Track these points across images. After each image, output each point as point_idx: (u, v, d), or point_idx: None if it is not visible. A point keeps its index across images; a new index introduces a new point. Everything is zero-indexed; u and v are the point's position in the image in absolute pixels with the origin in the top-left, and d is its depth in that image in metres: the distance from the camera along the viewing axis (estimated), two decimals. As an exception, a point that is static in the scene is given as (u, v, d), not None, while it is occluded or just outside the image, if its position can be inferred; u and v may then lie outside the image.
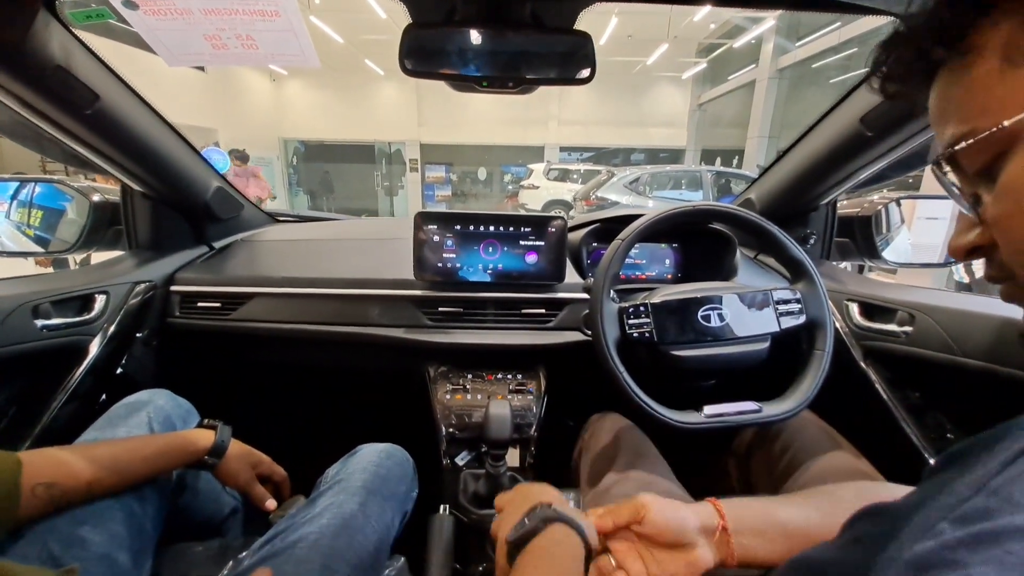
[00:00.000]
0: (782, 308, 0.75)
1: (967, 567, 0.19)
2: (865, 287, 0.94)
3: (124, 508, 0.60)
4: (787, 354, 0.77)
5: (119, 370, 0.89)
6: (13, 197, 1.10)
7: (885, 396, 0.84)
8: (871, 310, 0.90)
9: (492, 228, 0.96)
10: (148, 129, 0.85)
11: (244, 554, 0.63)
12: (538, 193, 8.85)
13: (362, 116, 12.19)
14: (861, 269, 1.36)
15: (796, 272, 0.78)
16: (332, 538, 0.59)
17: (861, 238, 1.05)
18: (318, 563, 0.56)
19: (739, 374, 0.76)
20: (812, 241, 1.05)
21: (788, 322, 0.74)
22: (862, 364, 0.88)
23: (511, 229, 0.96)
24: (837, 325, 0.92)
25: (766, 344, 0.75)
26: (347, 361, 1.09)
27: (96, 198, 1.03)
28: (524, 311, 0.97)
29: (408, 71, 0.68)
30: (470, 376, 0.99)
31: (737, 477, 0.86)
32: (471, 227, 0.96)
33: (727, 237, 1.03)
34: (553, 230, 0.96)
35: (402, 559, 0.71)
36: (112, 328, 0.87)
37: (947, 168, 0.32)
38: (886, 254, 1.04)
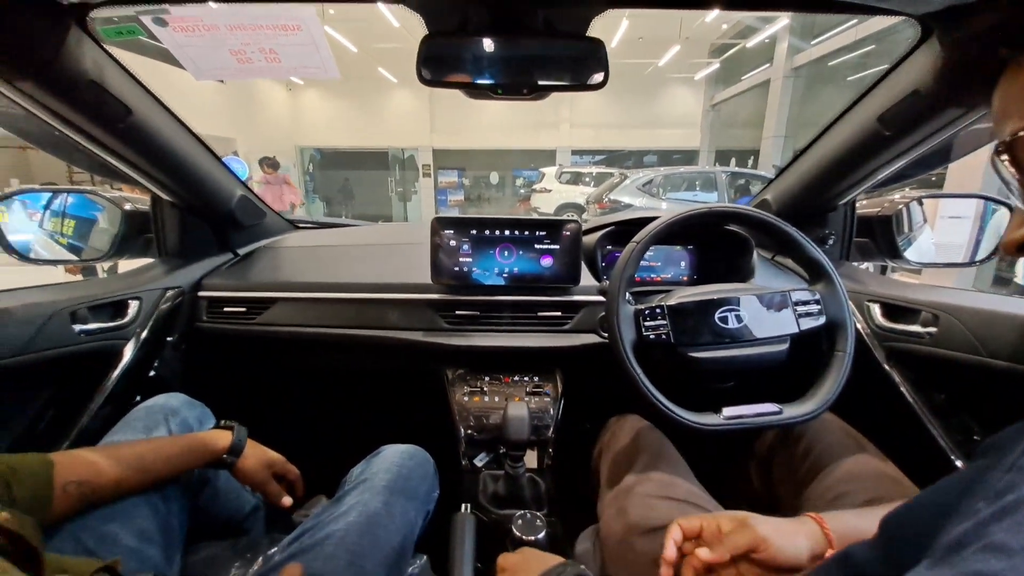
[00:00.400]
0: (801, 309, 0.74)
1: (991, 535, 0.20)
2: (887, 287, 0.93)
3: (150, 506, 0.62)
4: (807, 356, 0.76)
5: (152, 372, 0.93)
6: (46, 207, 1.15)
7: (909, 398, 0.82)
8: (893, 311, 0.88)
9: (507, 232, 0.97)
10: (177, 141, 0.88)
11: (273, 550, 0.65)
12: (550, 197, 8.86)
13: (376, 123, 12.39)
14: (884, 270, 1.34)
15: (814, 273, 0.77)
16: (358, 535, 0.61)
17: (882, 238, 1.03)
18: (346, 559, 0.58)
19: (758, 376, 0.75)
20: (831, 242, 1.04)
21: (808, 323, 0.74)
22: (885, 365, 0.86)
23: (526, 233, 0.97)
24: (858, 326, 0.90)
25: (785, 345, 0.74)
26: (367, 364, 1.11)
27: (127, 207, 1.08)
28: (540, 314, 0.98)
29: (425, 80, 0.70)
30: (487, 378, 1.00)
31: (759, 480, 0.86)
32: (487, 231, 0.97)
33: (743, 238, 1.03)
34: (568, 233, 0.97)
35: (424, 557, 0.72)
36: (145, 333, 0.91)
37: (1005, 157, 0.33)
38: (908, 254, 1.02)
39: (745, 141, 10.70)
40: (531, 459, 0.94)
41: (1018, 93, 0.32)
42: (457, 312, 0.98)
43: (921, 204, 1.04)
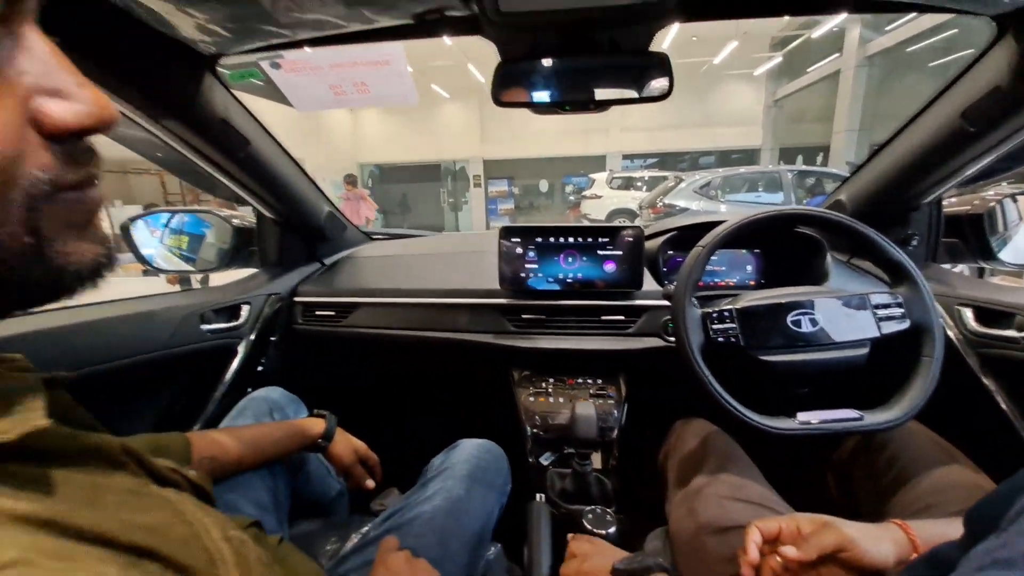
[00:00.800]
0: (882, 313, 0.72)
1: None
2: (980, 291, 0.86)
3: (263, 481, 0.72)
4: (889, 361, 0.73)
5: (259, 368, 1.06)
6: (165, 225, 1.35)
7: (1005, 407, 0.77)
8: (987, 315, 0.82)
9: (571, 239, 1.01)
10: (282, 166, 1.01)
11: (366, 527, 0.73)
12: (601, 203, 8.76)
13: (429, 137, 12.91)
14: (981, 273, 1.23)
15: (896, 275, 0.75)
16: (444, 518, 0.67)
17: (972, 238, 0.96)
18: (434, 538, 0.64)
19: (835, 381, 0.73)
20: (915, 243, 0.98)
21: (890, 327, 0.71)
22: (978, 373, 0.81)
23: (589, 239, 1.01)
24: (949, 332, 0.85)
25: (865, 350, 0.72)
26: (438, 365, 1.19)
27: (235, 223, 1.24)
28: (603, 318, 1.01)
29: (499, 102, 0.77)
30: (552, 380, 1.04)
31: (837, 489, 0.83)
32: (551, 239, 1.02)
33: (816, 241, 1.00)
34: (630, 239, 1.00)
35: (499, 545, 0.77)
36: (253, 334, 1.04)
37: None
38: (1003, 255, 0.94)
39: (813, 137, 10.02)
40: (595, 461, 0.97)
41: None
42: (523, 316, 1.04)
43: (1016, 201, 0.96)
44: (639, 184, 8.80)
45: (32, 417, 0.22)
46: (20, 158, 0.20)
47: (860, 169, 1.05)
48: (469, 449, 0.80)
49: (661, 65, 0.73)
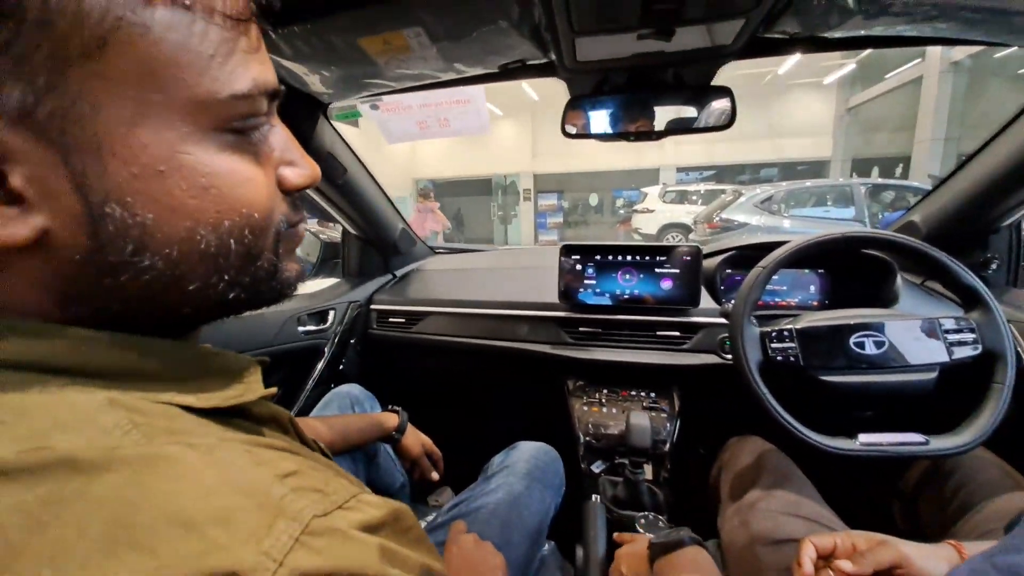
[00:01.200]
0: (953, 338, 0.71)
1: None
2: None
3: (348, 465, 0.82)
4: (959, 387, 0.72)
5: (340, 367, 1.20)
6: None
7: None
8: None
9: (629, 257, 1.07)
10: (369, 190, 1.15)
11: (433, 515, 0.81)
12: (653, 217, 8.59)
13: (482, 152, 13.30)
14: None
15: (969, 300, 0.73)
16: (507, 510, 0.73)
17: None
18: (497, 527, 0.71)
19: (900, 405, 0.73)
20: (994, 266, 0.94)
21: (961, 353, 0.70)
22: None
23: (647, 258, 1.06)
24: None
25: (934, 375, 0.71)
26: (498, 371, 1.27)
27: (323, 238, 1.41)
28: (659, 333, 1.05)
29: (568, 135, 0.85)
30: (605, 391, 1.09)
31: (904, 522, 0.81)
32: (610, 257, 1.08)
33: (885, 262, 0.98)
34: (688, 258, 1.03)
35: (553, 543, 0.83)
36: (338, 336, 1.18)
37: None
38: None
39: (891, 147, 9.28)
40: (647, 472, 0.99)
41: None
42: (580, 329, 1.09)
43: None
44: (694, 198, 8.56)
45: (257, 388, 0.32)
46: (274, 208, 0.29)
47: (936, 189, 1.02)
48: (528, 450, 0.86)
49: (724, 97, 0.78)
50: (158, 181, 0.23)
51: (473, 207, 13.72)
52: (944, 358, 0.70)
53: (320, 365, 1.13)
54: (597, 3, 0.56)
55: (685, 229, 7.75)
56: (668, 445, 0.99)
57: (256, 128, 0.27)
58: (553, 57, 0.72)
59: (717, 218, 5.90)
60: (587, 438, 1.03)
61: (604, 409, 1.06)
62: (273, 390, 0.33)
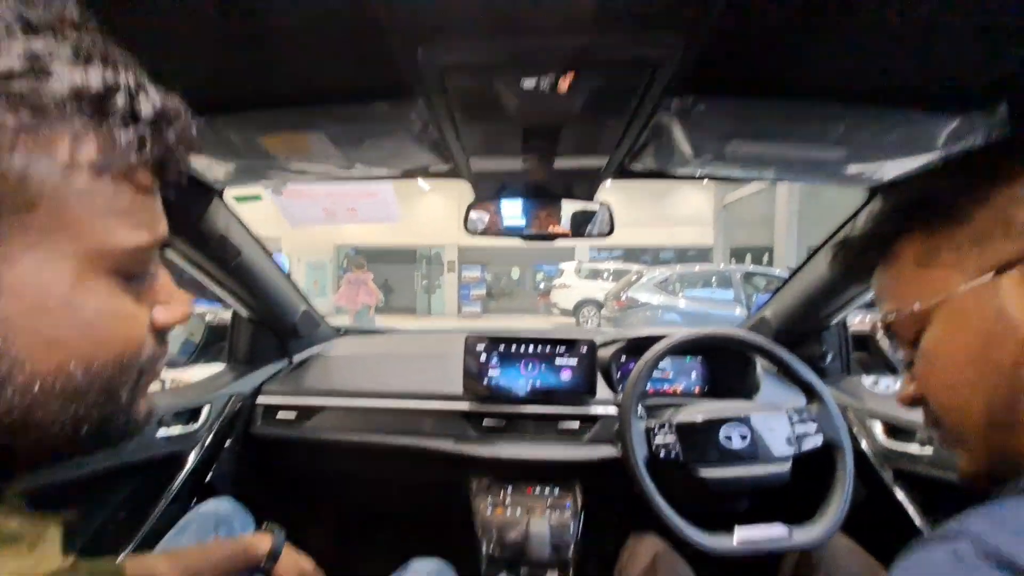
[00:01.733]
0: (800, 429, 0.80)
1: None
2: (887, 405, 0.97)
3: None
4: (813, 476, 0.79)
5: (208, 477, 1.03)
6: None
7: (919, 523, 0.82)
8: (895, 429, 0.91)
9: (531, 348, 1.10)
10: (266, 270, 1.09)
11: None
12: (569, 292, 9.14)
13: (408, 223, 13.46)
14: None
15: (808, 393, 0.84)
16: None
17: (875, 353, 1.11)
18: None
19: (768, 495, 0.79)
20: (830, 358, 1.11)
21: (807, 444, 0.79)
22: (893, 487, 0.87)
23: (548, 348, 1.10)
24: (864, 445, 0.93)
25: (787, 466, 0.78)
26: (396, 472, 1.18)
27: (208, 319, 1.27)
28: (560, 425, 1.06)
29: (471, 231, 0.90)
30: (511, 489, 1.05)
31: None
32: (513, 347, 1.10)
33: (745, 355, 1.12)
34: (584, 349, 1.09)
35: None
36: (209, 438, 1.02)
37: (887, 335, 0.44)
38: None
39: (759, 239, 11.06)
40: None
41: (889, 284, 0.41)
42: (484, 423, 1.07)
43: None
44: (606, 275, 9.32)
45: (52, 559, 0.27)
46: (142, 348, 0.29)
47: (782, 288, 1.21)
48: (421, 570, 0.79)
49: (604, 212, 0.90)
50: (45, 317, 0.24)
51: (398, 276, 13.54)
52: (793, 449, 0.78)
53: (181, 477, 0.96)
54: (483, 134, 0.63)
55: (598, 305, 8.30)
56: (571, 549, 0.96)
57: (145, 273, 0.29)
58: (453, 165, 0.78)
59: (624, 296, 6.45)
60: (491, 547, 0.97)
61: (508, 511, 1.01)
62: (71, 561, 0.28)
